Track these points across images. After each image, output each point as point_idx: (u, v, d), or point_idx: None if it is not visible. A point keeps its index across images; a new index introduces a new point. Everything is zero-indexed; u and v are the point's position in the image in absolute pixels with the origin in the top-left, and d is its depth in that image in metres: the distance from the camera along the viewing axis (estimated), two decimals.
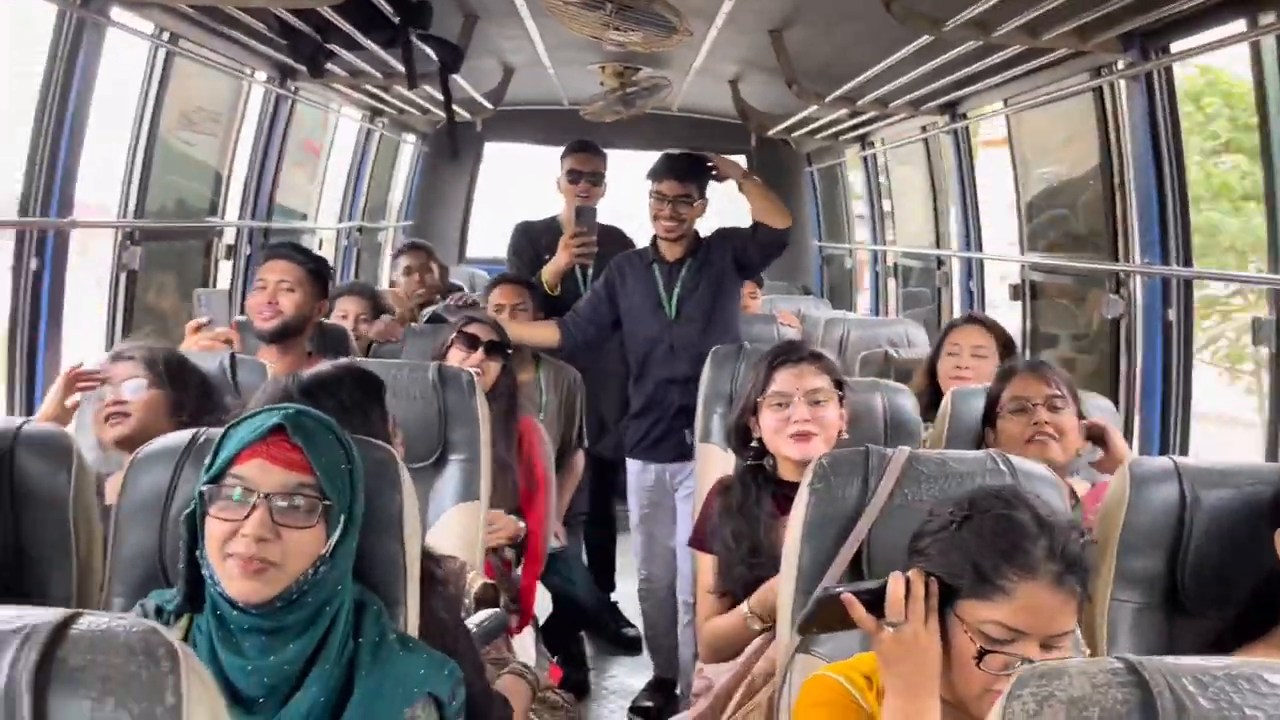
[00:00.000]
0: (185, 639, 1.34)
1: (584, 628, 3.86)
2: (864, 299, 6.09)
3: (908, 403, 2.55)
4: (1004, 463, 1.72)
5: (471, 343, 2.81)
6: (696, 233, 3.44)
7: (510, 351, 2.87)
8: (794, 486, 2.16)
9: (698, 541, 2.24)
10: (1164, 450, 2.79)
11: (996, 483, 1.69)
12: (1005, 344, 2.85)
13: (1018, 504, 1.39)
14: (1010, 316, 3.98)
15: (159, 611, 1.37)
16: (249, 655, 1.29)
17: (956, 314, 4.36)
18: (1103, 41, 2.79)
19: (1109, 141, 3.02)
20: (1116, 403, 2.83)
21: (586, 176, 3.90)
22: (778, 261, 6.28)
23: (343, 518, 1.33)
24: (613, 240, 3.82)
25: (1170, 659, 0.87)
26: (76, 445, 1.62)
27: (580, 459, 3.57)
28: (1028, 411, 2.26)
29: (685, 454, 3.27)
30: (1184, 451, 2.80)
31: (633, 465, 3.45)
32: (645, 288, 3.40)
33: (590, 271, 3.78)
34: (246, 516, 1.28)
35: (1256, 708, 0.81)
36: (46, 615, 0.82)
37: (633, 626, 3.99)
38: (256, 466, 1.29)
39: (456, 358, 2.76)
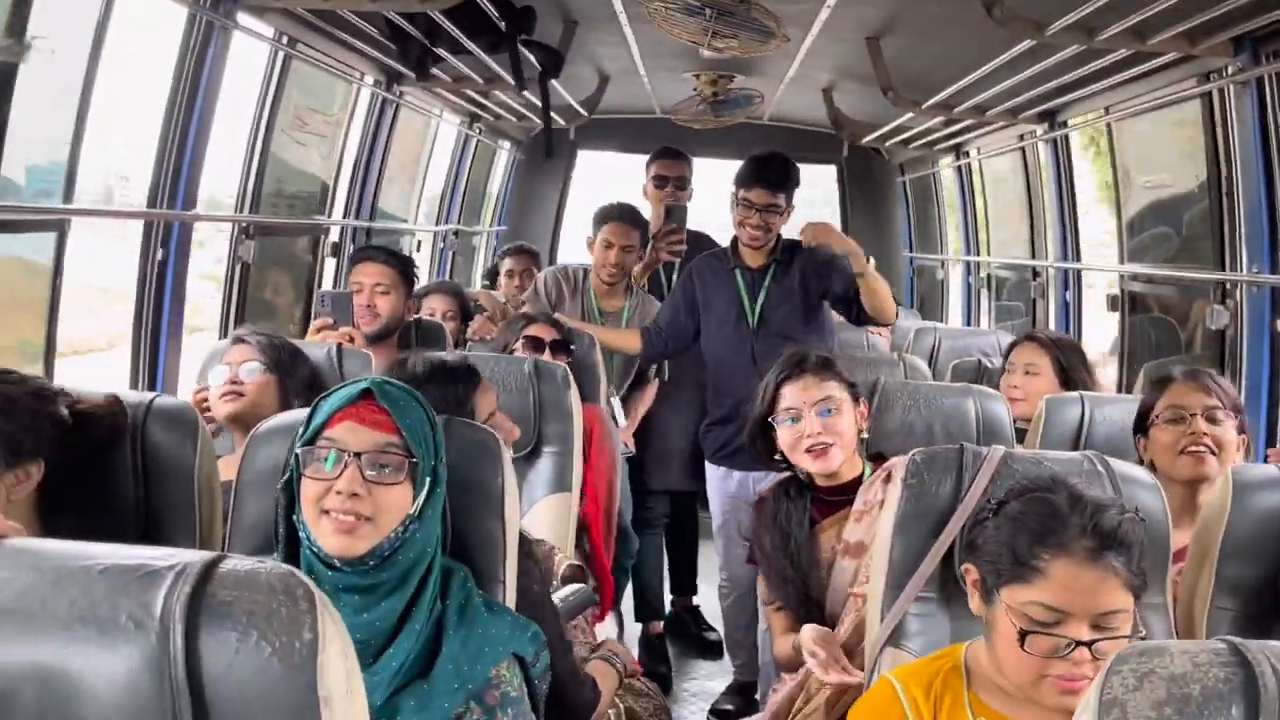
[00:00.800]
0: None
1: (657, 615, 3.90)
2: (955, 312, 6.00)
3: (1000, 409, 2.54)
4: (1100, 463, 1.70)
5: (537, 345, 2.87)
6: (779, 239, 3.35)
7: (573, 348, 2.92)
8: (829, 492, 2.24)
9: (751, 557, 2.27)
10: None
11: (1095, 485, 1.68)
12: (1062, 363, 2.79)
13: (1055, 487, 1.40)
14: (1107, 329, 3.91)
15: None
16: (343, 614, 1.35)
17: (1052, 326, 4.29)
18: (1212, 46, 2.73)
19: (1216, 148, 2.95)
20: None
21: (673, 181, 3.93)
22: None
23: (428, 479, 1.39)
24: (700, 245, 3.81)
25: (1273, 642, 0.87)
26: (200, 419, 1.72)
27: (654, 386, 3.66)
28: (1184, 422, 2.16)
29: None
30: None
31: (713, 471, 3.44)
32: (727, 295, 3.31)
33: (675, 274, 3.79)
34: (339, 475, 1.35)
35: None
36: (197, 555, 0.89)
37: (714, 630, 4.01)
38: (347, 429, 1.37)
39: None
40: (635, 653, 3.78)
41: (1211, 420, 2.16)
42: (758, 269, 3.32)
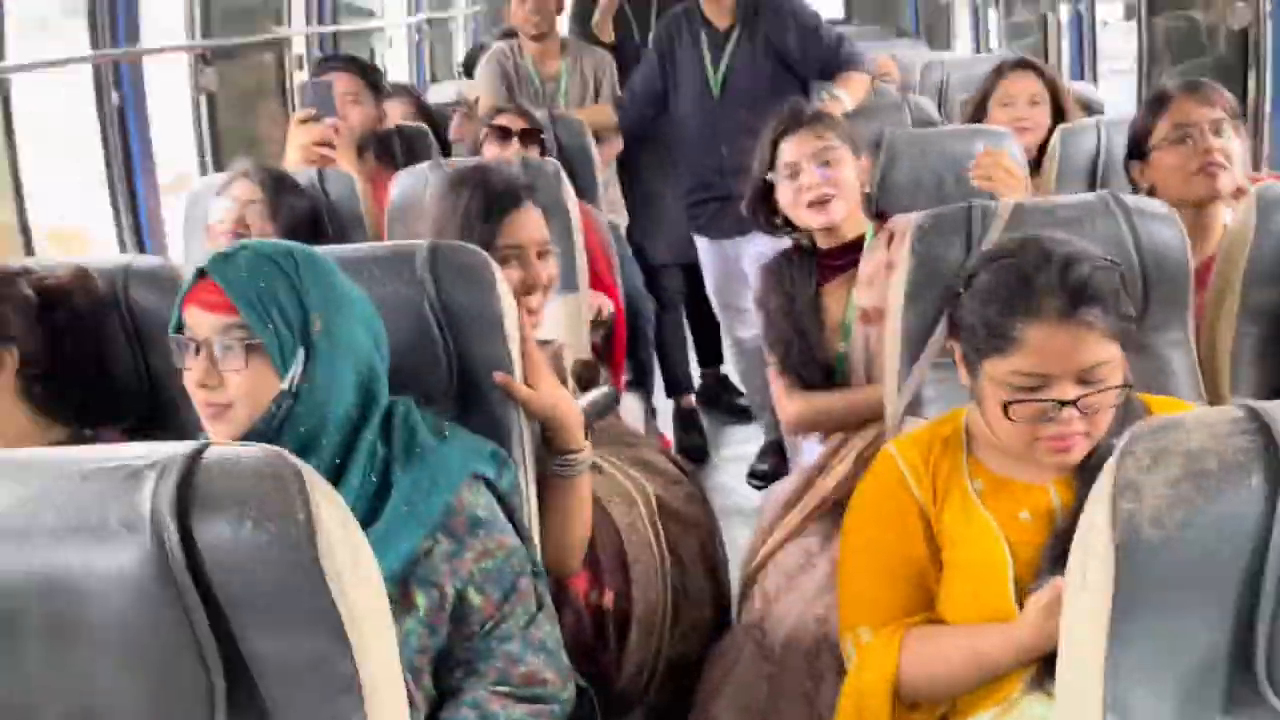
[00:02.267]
0: None
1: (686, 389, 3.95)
2: (965, 37, 5.69)
3: (1014, 150, 2.42)
4: (1115, 202, 1.63)
5: (504, 135, 2.73)
6: None
7: (544, 136, 2.78)
8: (833, 255, 2.18)
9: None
10: None
11: (1109, 226, 1.62)
12: (1055, 90, 2.68)
13: (1027, 247, 1.34)
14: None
15: None
16: None
17: (1065, 44, 4.06)
18: None
19: None
20: (1246, 124, 2.62)
21: None
22: (867, 2, 5.92)
23: (300, 350, 1.29)
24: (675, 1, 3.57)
25: None
26: (180, 270, 1.67)
27: (614, 143, 3.52)
28: (1192, 140, 2.03)
29: (745, 228, 3.20)
30: None
31: (700, 241, 3.41)
32: (692, 58, 3.17)
33: (650, 31, 3.56)
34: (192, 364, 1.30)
35: None
36: (176, 448, 0.87)
37: (744, 396, 4.07)
38: (191, 313, 1.30)
39: (492, 153, 2.69)
40: (670, 430, 3.86)
41: (1218, 133, 2.03)
42: (723, 30, 3.16)
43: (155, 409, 1.61)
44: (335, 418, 1.32)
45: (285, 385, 1.29)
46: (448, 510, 1.33)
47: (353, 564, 0.89)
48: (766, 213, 2.26)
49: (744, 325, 3.45)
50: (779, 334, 2.17)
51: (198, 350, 1.29)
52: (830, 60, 3.15)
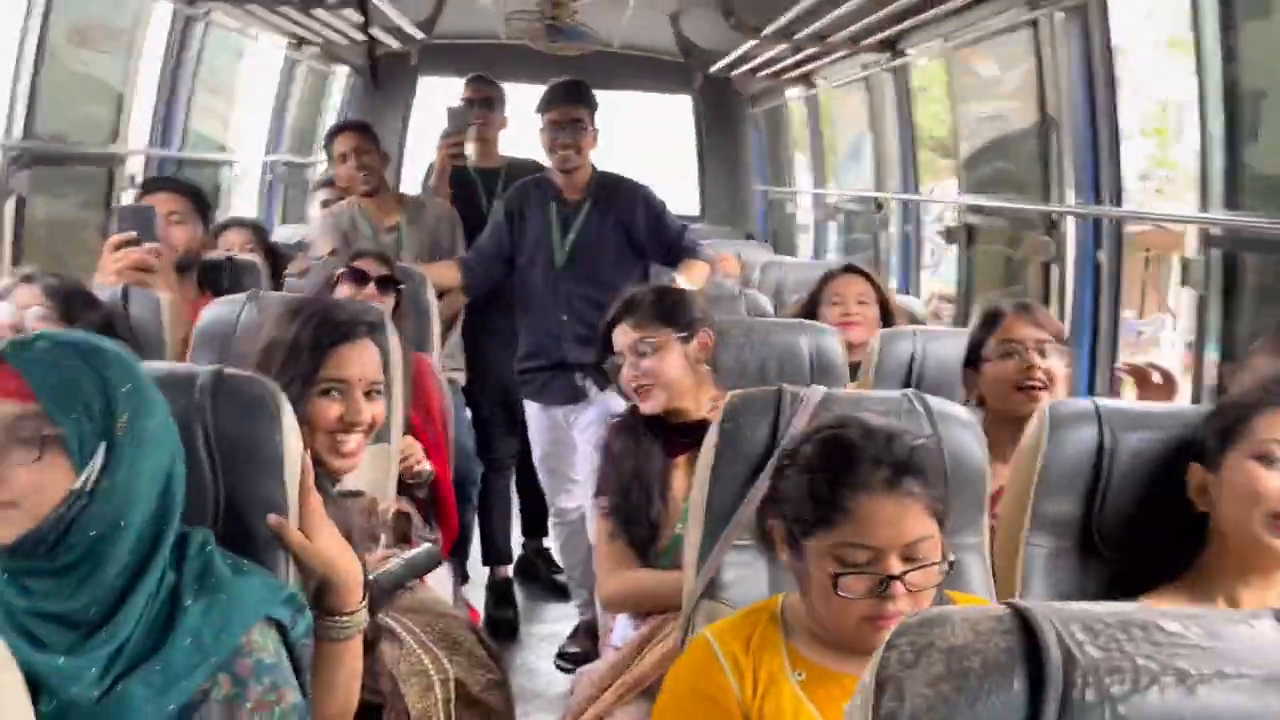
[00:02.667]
0: None
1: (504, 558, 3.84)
2: (807, 246, 6.02)
3: (834, 344, 2.49)
4: (919, 402, 1.66)
5: (359, 279, 2.67)
6: (594, 169, 3.29)
7: (402, 286, 2.74)
8: (680, 429, 2.18)
9: (597, 488, 2.20)
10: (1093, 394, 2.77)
11: (912, 424, 1.64)
12: (883, 296, 2.86)
13: (847, 423, 1.36)
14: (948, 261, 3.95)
15: None
16: (36, 598, 1.19)
17: (894, 258, 4.32)
18: None
19: (1042, 79, 2.94)
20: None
21: (478, 104, 3.88)
22: (720, 208, 6.24)
23: (100, 445, 1.18)
24: (527, 174, 3.63)
25: (1060, 604, 0.81)
26: None
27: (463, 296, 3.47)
28: (1017, 356, 2.15)
29: (578, 396, 3.21)
30: (1115, 395, 2.78)
31: (530, 406, 3.39)
32: (540, 226, 3.25)
33: (497, 200, 3.63)
34: None
35: (1150, 657, 0.75)
36: None
37: (563, 571, 3.95)
38: None
39: (345, 294, 2.63)
40: (481, 600, 3.69)
41: (1042, 354, 2.15)
42: (574, 203, 3.25)
43: None
44: (131, 526, 1.21)
45: (79, 484, 1.17)
46: (237, 650, 1.22)
47: None
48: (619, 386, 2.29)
49: (569, 495, 3.38)
50: (628, 505, 2.10)
51: None
52: (673, 245, 3.26)
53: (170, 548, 1.24)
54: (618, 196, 3.26)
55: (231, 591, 1.25)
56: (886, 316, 2.83)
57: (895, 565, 1.28)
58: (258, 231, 3.48)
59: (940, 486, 1.34)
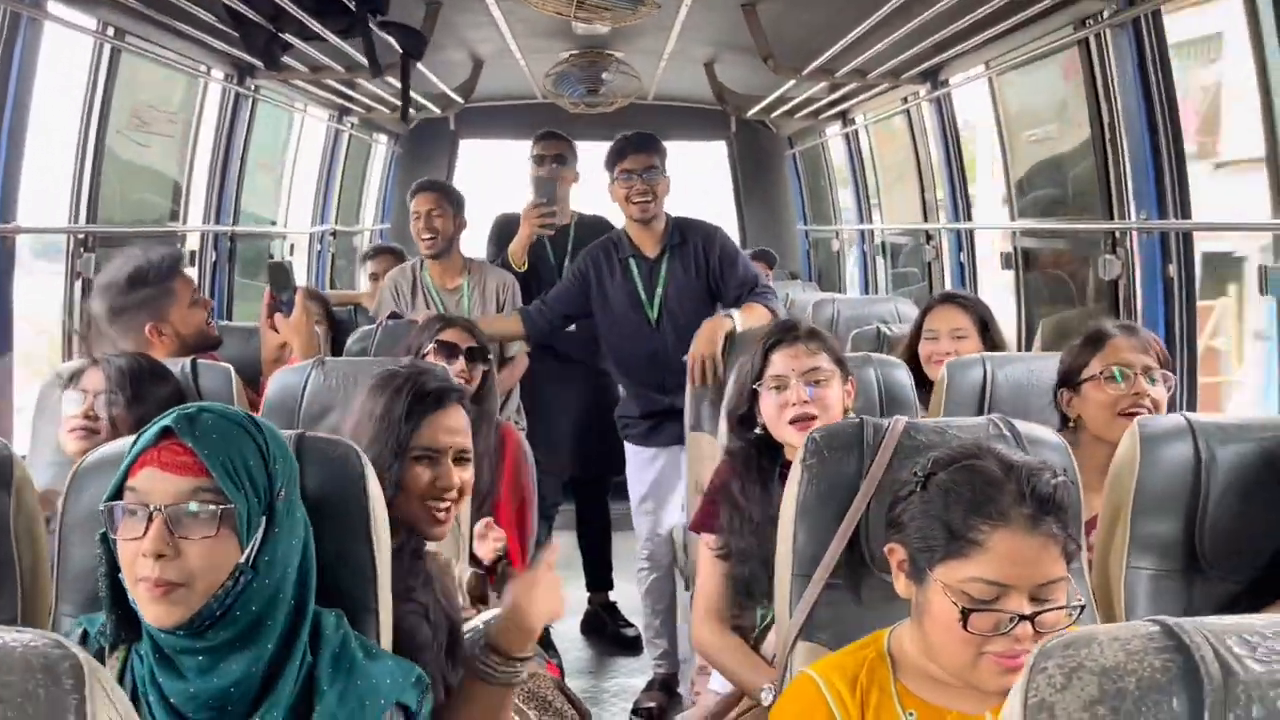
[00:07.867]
0: (124, 668, 1.22)
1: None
2: (854, 283, 5.99)
3: (903, 376, 2.46)
4: (1006, 426, 1.62)
5: (450, 352, 2.68)
6: (669, 219, 3.30)
7: (490, 355, 2.76)
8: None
9: (699, 524, 2.13)
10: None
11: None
12: (984, 322, 2.72)
13: (982, 453, 1.30)
14: (1000, 289, 3.90)
15: (84, 638, 1.26)
16: (189, 678, 1.18)
17: (948, 288, 4.27)
18: None
19: (1097, 95, 2.91)
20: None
21: (550, 159, 3.86)
22: (762, 248, 6.24)
23: (262, 519, 1.19)
24: (596, 230, 3.69)
25: (1210, 619, 0.77)
26: (17, 457, 1.51)
27: (522, 361, 3.52)
28: (1126, 380, 2.05)
29: (682, 437, 3.18)
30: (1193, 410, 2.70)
31: (638, 452, 3.38)
32: (624, 287, 3.25)
33: (566, 257, 3.67)
34: (144, 534, 1.16)
35: None
36: None
37: (632, 626, 3.91)
38: (148, 477, 1.17)
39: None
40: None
41: (1150, 379, 2.07)
42: (654, 259, 3.26)
43: None
44: (286, 598, 1.22)
45: (244, 557, 1.18)
46: None
47: None
48: (748, 419, 2.13)
49: (659, 541, 3.35)
50: (733, 510, 2.01)
51: (150, 518, 1.15)
52: (742, 292, 3.22)
53: (308, 626, 1.25)
54: (693, 241, 3.27)
55: (366, 677, 1.25)
56: (989, 343, 2.69)
57: (1025, 605, 1.23)
58: (318, 299, 3.52)
59: (1077, 527, 1.29)
